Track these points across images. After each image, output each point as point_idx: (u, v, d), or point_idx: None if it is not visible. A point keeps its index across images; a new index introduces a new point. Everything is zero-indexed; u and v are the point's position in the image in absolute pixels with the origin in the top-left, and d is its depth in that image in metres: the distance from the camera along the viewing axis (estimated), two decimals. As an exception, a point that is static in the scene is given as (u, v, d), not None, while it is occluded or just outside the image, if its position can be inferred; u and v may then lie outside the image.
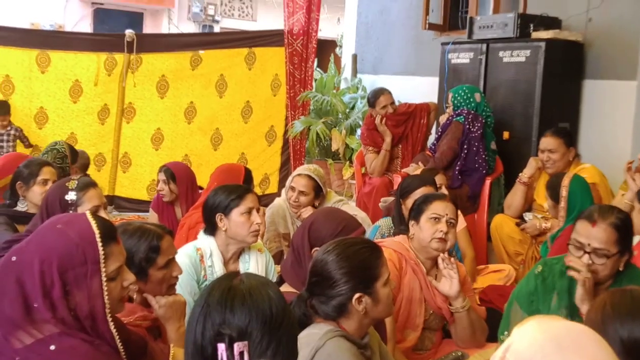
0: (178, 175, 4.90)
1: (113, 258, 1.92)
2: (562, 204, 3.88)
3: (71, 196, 3.17)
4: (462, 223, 4.53)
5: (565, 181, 3.91)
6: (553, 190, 4.01)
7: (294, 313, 1.74)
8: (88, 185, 3.25)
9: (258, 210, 3.38)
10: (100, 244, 1.88)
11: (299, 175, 4.53)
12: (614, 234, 2.64)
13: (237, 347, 1.54)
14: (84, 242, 1.86)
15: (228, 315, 1.58)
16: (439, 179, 4.49)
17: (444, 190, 4.42)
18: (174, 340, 2.49)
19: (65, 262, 1.83)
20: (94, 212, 2.93)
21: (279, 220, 4.63)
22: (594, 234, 2.65)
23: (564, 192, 3.88)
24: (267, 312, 1.59)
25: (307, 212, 4.38)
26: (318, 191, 4.52)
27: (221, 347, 1.54)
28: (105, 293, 1.87)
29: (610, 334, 1.75)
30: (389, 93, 6.04)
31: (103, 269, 1.87)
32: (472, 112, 5.31)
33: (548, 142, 4.72)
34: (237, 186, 3.52)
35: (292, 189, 4.49)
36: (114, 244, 1.95)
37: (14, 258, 1.85)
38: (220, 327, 1.57)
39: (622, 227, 2.66)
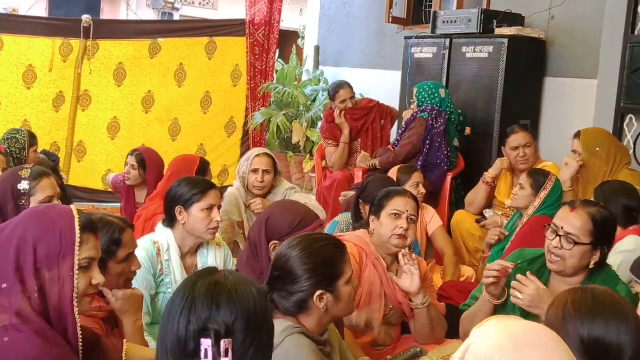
0: (149, 162, 4.91)
1: (88, 247, 1.94)
2: (542, 194, 3.89)
3: (24, 185, 3.07)
4: (438, 222, 4.53)
5: (553, 177, 3.96)
6: (538, 181, 4.00)
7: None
8: (42, 174, 3.15)
9: (219, 208, 3.32)
10: (78, 229, 1.90)
11: (258, 156, 4.46)
12: (589, 223, 2.64)
13: (224, 343, 1.50)
14: (62, 224, 1.90)
15: (214, 311, 1.53)
16: (417, 177, 4.46)
17: (421, 189, 4.40)
18: (129, 334, 2.48)
19: (41, 238, 1.87)
20: (47, 202, 2.89)
21: (233, 209, 4.55)
22: (569, 219, 2.67)
23: (549, 185, 3.90)
24: (252, 310, 1.56)
25: (256, 205, 4.34)
26: (276, 169, 4.51)
27: (206, 343, 1.50)
28: (76, 278, 1.87)
29: (571, 333, 1.76)
30: (350, 87, 6.02)
31: (77, 252, 1.88)
32: (437, 108, 5.31)
33: (523, 137, 4.74)
34: (201, 180, 3.45)
35: (255, 171, 4.41)
36: (92, 236, 1.98)
37: None
38: (206, 322, 1.52)
39: (600, 221, 2.66)
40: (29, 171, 3.13)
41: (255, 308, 1.57)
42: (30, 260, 1.83)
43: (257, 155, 4.46)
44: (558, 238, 2.67)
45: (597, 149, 4.13)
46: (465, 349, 1.42)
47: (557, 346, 1.39)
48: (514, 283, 2.65)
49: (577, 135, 4.25)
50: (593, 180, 3.97)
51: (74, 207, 1.99)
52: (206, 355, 1.49)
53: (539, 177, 4.03)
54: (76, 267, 1.87)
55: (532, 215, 3.89)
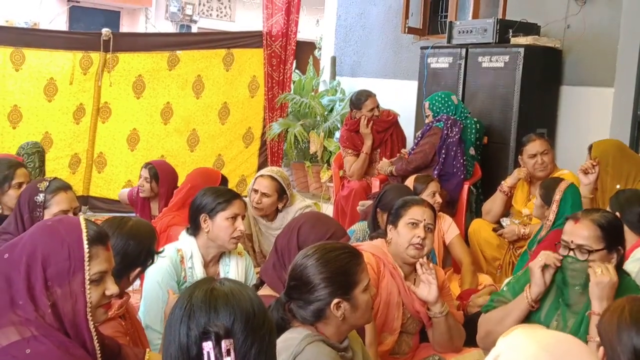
0: (162, 175, 4.94)
1: (98, 261, 1.92)
2: (554, 207, 3.86)
3: (40, 198, 3.13)
4: (455, 230, 4.52)
5: (562, 186, 3.90)
6: (547, 191, 3.99)
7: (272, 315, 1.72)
8: (59, 188, 3.19)
9: (243, 218, 3.36)
10: (85, 243, 1.88)
11: (261, 176, 4.45)
12: (597, 230, 2.64)
13: (225, 344, 1.53)
14: (70, 239, 1.88)
15: (212, 315, 1.57)
16: (433, 186, 4.46)
17: (438, 198, 4.40)
18: None
19: (50, 256, 1.85)
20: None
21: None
22: (576, 231, 2.67)
23: (557, 196, 3.87)
24: (250, 311, 1.60)
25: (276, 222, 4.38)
26: (282, 193, 4.44)
27: (208, 346, 1.53)
28: (88, 292, 1.87)
29: (624, 341, 1.75)
30: (375, 96, 6.01)
31: (87, 268, 1.87)
32: (452, 117, 5.32)
33: (540, 144, 4.71)
34: (226, 190, 3.51)
35: (255, 191, 4.40)
36: (101, 248, 1.95)
37: (6, 255, 1.88)
38: (206, 326, 1.56)
39: (606, 225, 2.66)
40: (47, 184, 3.17)
41: (253, 308, 1.61)
42: (40, 279, 1.83)
43: (261, 176, 4.45)
44: (572, 252, 2.68)
45: (608, 167, 4.10)
46: (493, 358, 1.40)
47: (591, 357, 1.38)
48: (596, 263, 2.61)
49: (590, 148, 4.24)
50: (607, 196, 3.92)
51: (82, 218, 1.97)
52: (209, 358, 1.52)
53: (547, 190, 3.99)
54: (87, 282, 1.87)
55: (549, 229, 3.86)
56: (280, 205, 4.45)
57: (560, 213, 3.83)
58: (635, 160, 4.27)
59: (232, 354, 1.52)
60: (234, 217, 3.30)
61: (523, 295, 2.76)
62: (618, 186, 3.96)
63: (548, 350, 1.34)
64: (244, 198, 4.62)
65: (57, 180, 3.28)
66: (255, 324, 1.59)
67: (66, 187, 3.24)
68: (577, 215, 2.74)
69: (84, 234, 1.90)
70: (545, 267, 2.72)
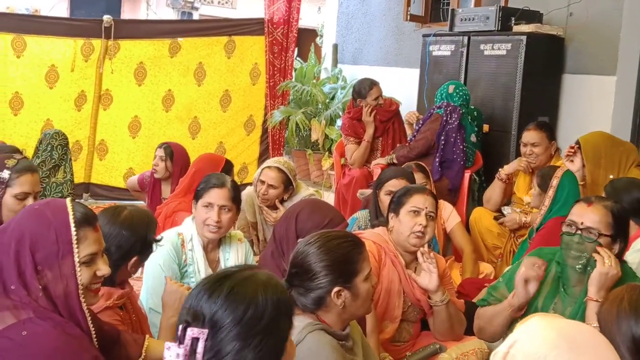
0: (176, 155, 5.04)
1: (87, 243, 1.93)
2: (550, 193, 3.87)
3: (4, 174, 3.02)
4: (456, 218, 4.52)
5: (559, 173, 3.90)
6: (544, 178, 4.00)
7: (287, 323, 1.65)
8: (26, 169, 3.08)
9: (225, 209, 3.33)
10: (73, 226, 1.88)
11: (268, 167, 4.43)
12: (608, 216, 2.66)
13: (191, 332, 1.52)
14: (57, 222, 1.89)
15: (202, 301, 1.56)
16: (419, 177, 4.45)
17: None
18: (162, 327, 2.57)
19: (37, 240, 1.86)
20: (22, 199, 2.94)
21: (248, 208, 4.54)
22: (588, 214, 2.68)
23: (554, 182, 3.87)
24: (240, 312, 1.54)
25: (269, 217, 4.39)
26: (288, 184, 4.43)
27: (179, 329, 1.54)
28: (79, 274, 1.88)
29: (623, 330, 1.77)
30: (379, 84, 5.97)
31: (76, 251, 1.88)
32: (451, 104, 5.31)
33: (531, 135, 4.72)
34: (214, 177, 3.49)
35: (262, 182, 4.38)
36: (89, 230, 1.95)
37: None
38: (187, 310, 1.56)
39: (617, 213, 2.68)
40: (15, 162, 3.07)
41: (246, 312, 1.55)
42: (29, 264, 1.84)
43: (268, 167, 4.43)
44: (578, 232, 2.68)
45: (602, 160, 4.09)
46: (510, 344, 1.40)
47: (608, 347, 1.39)
48: (605, 251, 2.63)
49: (577, 144, 4.22)
50: (599, 189, 3.92)
51: (69, 201, 1.96)
52: (181, 341, 1.53)
53: (544, 178, 4.01)
54: (77, 264, 1.88)
55: (544, 215, 3.86)
56: (286, 196, 4.45)
57: (556, 199, 3.83)
58: (625, 147, 4.27)
59: (200, 343, 1.50)
60: (207, 206, 3.30)
61: (507, 303, 2.78)
62: (611, 176, 3.96)
63: (567, 339, 1.34)
64: (248, 186, 4.65)
65: (25, 160, 3.19)
66: (242, 326, 1.54)
67: (33, 170, 3.15)
68: (591, 198, 2.75)
69: (71, 217, 1.90)
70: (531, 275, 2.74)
